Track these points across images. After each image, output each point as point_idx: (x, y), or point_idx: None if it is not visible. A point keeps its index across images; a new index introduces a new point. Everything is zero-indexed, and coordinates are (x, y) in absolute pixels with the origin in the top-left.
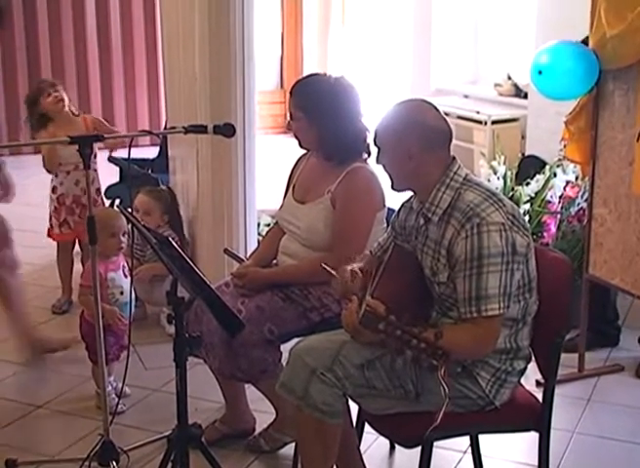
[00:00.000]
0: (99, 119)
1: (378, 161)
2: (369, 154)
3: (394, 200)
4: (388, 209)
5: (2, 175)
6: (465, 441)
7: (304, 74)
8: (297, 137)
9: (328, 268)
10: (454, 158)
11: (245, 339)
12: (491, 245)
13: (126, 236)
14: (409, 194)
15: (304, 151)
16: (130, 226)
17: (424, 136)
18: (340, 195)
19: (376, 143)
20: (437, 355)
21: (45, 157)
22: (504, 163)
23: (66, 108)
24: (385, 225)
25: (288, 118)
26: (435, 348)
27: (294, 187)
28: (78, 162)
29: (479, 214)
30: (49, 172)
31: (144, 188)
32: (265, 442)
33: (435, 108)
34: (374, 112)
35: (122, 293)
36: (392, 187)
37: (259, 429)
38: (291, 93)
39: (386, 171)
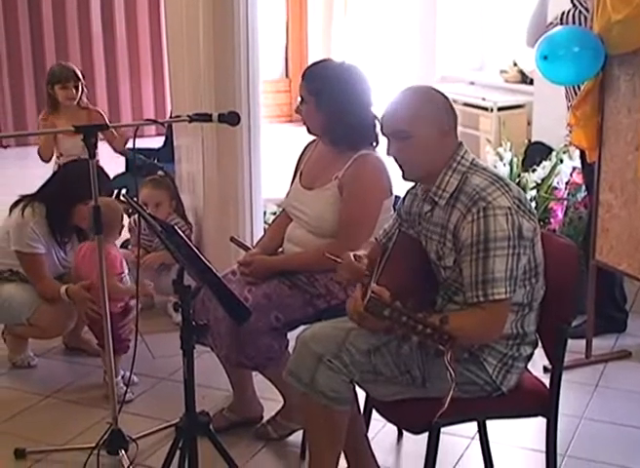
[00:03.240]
0: (102, 115)
1: (389, 152)
2: (377, 143)
3: (401, 187)
4: (396, 196)
5: None
6: (473, 427)
7: (309, 63)
8: (305, 122)
9: (332, 256)
10: (460, 143)
11: (252, 327)
12: (497, 229)
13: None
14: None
15: (312, 139)
16: (136, 216)
17: (451, 114)
18: (348, 182)
19: (388, 132)
20: (443, 340)
21: (40, 146)
22: (511, 149)
23: (75, 102)
24: (393, 213)
25: (298, 102)
26: (441, 333)
27: (301, 174)
28: (80, 154)
29: (485, 199)
30: (43, 160)
31: (146, 181)
32: (273, 429)
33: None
34: (380, 100)
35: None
36: (403, 177)
37: (266, 417)
38: (303, 76)
39: (401, 159)
